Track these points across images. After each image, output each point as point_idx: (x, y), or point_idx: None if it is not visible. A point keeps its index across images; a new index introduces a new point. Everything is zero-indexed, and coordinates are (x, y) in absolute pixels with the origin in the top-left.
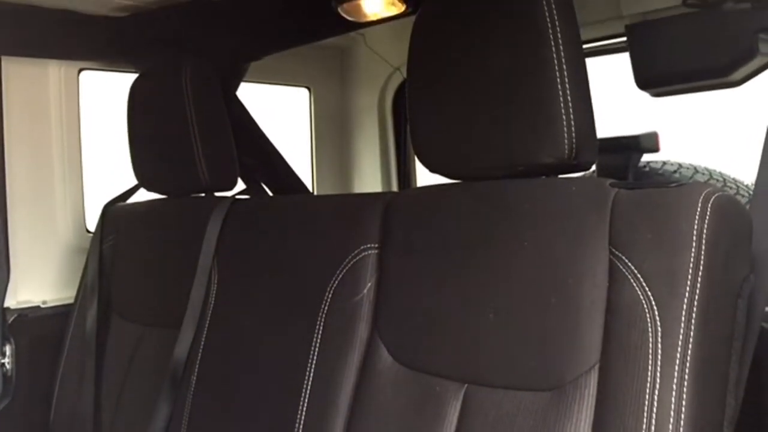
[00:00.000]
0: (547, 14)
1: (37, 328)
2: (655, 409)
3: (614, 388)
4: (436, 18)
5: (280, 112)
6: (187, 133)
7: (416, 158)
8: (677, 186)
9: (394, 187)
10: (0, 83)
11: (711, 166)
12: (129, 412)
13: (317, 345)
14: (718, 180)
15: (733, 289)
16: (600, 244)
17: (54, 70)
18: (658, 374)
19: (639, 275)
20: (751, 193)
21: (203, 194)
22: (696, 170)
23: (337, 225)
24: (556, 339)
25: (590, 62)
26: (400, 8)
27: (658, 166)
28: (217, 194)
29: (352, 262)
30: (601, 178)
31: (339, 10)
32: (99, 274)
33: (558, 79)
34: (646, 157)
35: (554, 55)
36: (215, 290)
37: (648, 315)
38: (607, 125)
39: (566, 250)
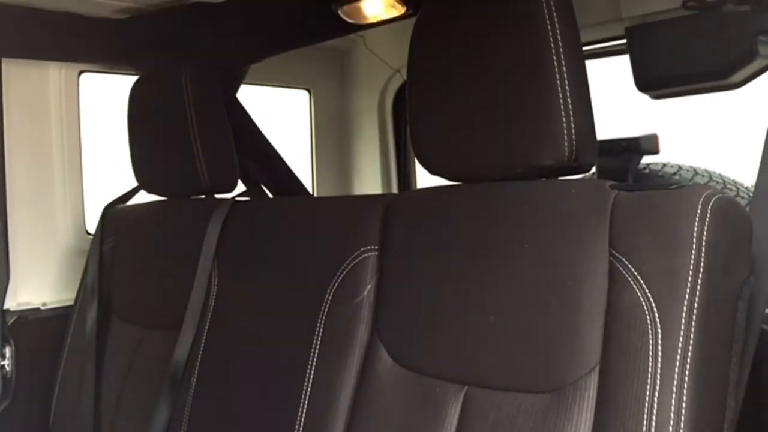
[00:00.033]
0: (546, 16)
1: (37, 330)
2: (655, 411)
3: (614, 389)
4: (437, 20)
5: (281, 114)
6: (188, 135)
7: (416, 160)
8: (677, 188)
9: (394, 189)
10: (0, 85)
11: (711, 168)
12: (129, 413)
13: (317, 347)
14: (718, 182)
15: (734, 291)
16: (600, 246)
17: (54, 72)
18: (658, 376)
19: (639, 277)
20: (751, 195)
21: (203, 196)
22: (696, 172)
23: (337, 227)
24: (556, 341)
25: (590, 64)
26: (401, 10)
27: (658, 168)
28: (217, 196)
29: (352, 264)
30: (601, 180)
31: (339, 12)
32: (99, 276)
33: (558, 81)
34: (646, 159)
35: (554, 57)
36: (215, 292)
37: (648, 317)
38: (607, 127)
39: (566, 252)
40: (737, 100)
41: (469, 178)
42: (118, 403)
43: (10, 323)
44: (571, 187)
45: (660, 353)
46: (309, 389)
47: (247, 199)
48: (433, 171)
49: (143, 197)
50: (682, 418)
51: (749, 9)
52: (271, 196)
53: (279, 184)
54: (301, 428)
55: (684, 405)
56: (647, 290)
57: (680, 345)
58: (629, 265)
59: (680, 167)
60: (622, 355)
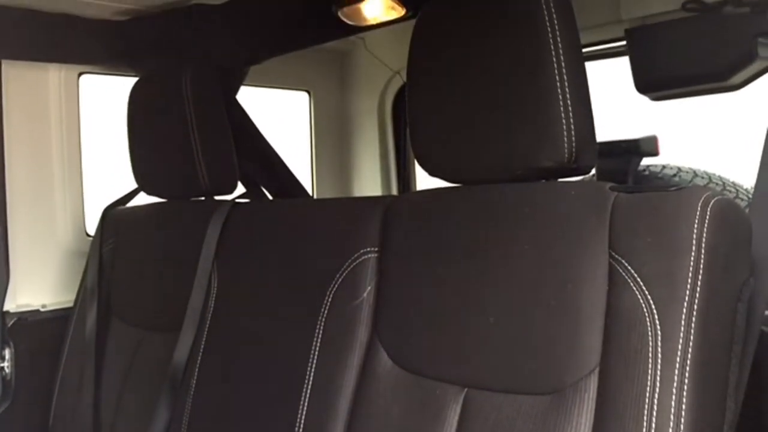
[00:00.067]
0: (546, 18)
1: (36, 332)
2: (655, 413)
3: (614, 391)
4: (436, 22)
5: (280, 115)
6: (187, 136)
7: (416, 162)
8: (677, 190)
9: (394, 191)
10: (0, 86)
11: (710, 170)
12: (129, 415)
13: (317, 348)
14: (717, 184)
15: (733, 293)
16: (600, 247)
17: (54, 74)
18: (658, 378)
19: (639, 279)
20: (750, 196)
21: (203, 198)
22: (695, 174)
23: (337, 229)
24: (556, 342)
25: (590, 66)
26: (400, 12)
27: (658, 169)
28: (217, 198)
29: (352, 266)
30: (601, 181)
31: (339, 14)
32: (99, 278)
33: (558, 83)
34: (646, 161)
35: (554, 59)
36: (215, 294)
37: (648, 318)
38: (607, 129)
39: (566, 254)
40: (737, 102)
41: (469, 179)
42: (117, 404)
43: (9, 325)
44: (570, 189)
45: (660, 355)
46: (308, 391)
47: (246, 200)
48: (432, 173)
49: (143, 199)
50: (682, 419)
51: (749, 11)
52: (270, 197)
53: (279, 185)
54: (300, 429)
55: (684, 407)
56: (647, 292)
57: (680, 347)
58: (629, 267)
59: (680, 169)
60: (622, 357)
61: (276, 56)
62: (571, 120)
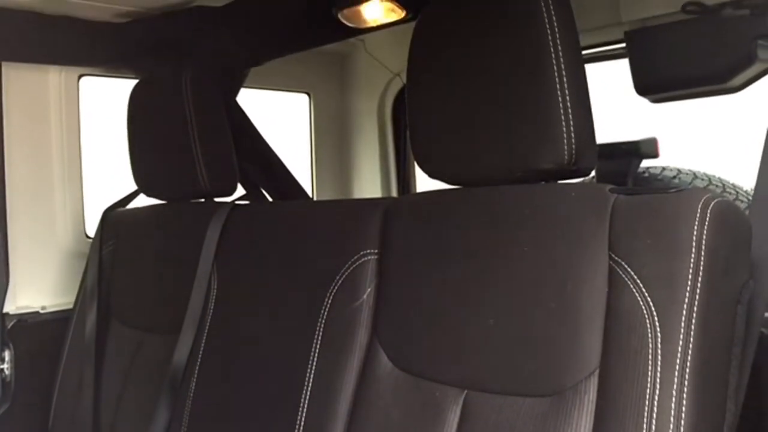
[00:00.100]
0: (546, 20)
1: (36, 334)
2: (655, 415)
3: (614, 393)
4: (436, 24)
5: (280, 117)
6: (187, 138)
7: (416, 164)
8: (676, 191)
9: (394, 193)
10: (0, 88)
11: (710, 172)
12: (128, 417)
13: (317, 350)
14: (717, 185)
15: (733, 295)
16: (599, 249)
17: (54, 76)
18: (658, 380)
19: (638, 281)
20: (750, 198)
21: (203, 200)
22: (695, 176)
23: (336, 231)
24: (556, 344)
25: (589, 68)
26: (400, 14)
27: (658, 171)
28: (217, 200)
29: (351, 268)
30: (601, 183)
31: (339, 16)
32: (98, 280)
33: (557, 85)
34: (646, 163)
35: (554, 61)
36: (215, 296)
37: (648, 320)
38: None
39: (566, 256)
40: (736, 104)
41: (469, 181)
42: (117, 406)
43: (9, 327)
44: (570, 191)
45: (660, 357)
46: (308, 393)
47: (246, 202)
48: (432, 174)
49: (143, 201)
50: (682, 421)
51: (748, 13)
52: (270, 199)
53: (279, 187)
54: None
55: (684, 408)
56: (647, 294)
57: (680, 348)
58: (629, 269)
59: (679, 171)
60: (622, 359)
61: (276, 58)
62: (571, 122)
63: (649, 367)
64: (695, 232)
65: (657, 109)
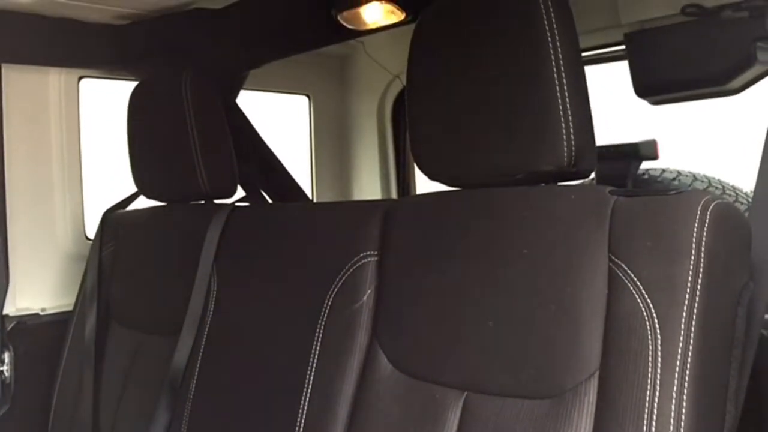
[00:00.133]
0: (546, 22)
1: (36, 336)
2: (654, 417)
3: (614, 395)
4: (436, 26)
5: (280, 119)
6: (187, 140)
7: (415, 166)
8: (676, 194)
9: (394, 195)
10: (0, 90)
11: (710, 174)
12: (128, 419)
13: (316, 352)
14: (717, 187)
15: (733, 297)
16: (599, 251)
17: (54, 78)
18: (658, 382)
19: (638, 283)
20: (750, 200)
21: (203, 201)
22: (695, 178)
23: (336, 232)
24: (556, 346)
25: (589, 70)
26: (400, 16)
27: (657, 173)
28: (217, 201)
29: (351, 270)
30: (601, 185)
31: (339, 18)
32: (98, 282)
33: (557, 87)
34: (645, 165)
35: (553, 63)
36: (214, 297)
37: (647, 323)
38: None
39: (566, 258)
40: (736, 106)
41: (469, 183)
42: (117, 408)
43: (9, 328)
44: (570, 193)
45: (659, 359)
46: (308, 395)
47: (246, 204)
48: (432, 176)
49: (143, 202)
50: (682, 423)
51: (747, 15)
52: (270, 201)
53: (278, 189)
54: None
55: (683, 411)
56: (646, 296)
57: (680, 351)
58: (628, 271)
59: (679, 173)
60: (622, 361)
61: (276, 60)
62: (571, 124)
63: (649, 369)
64: (695, 234)
65: (656, 111)
